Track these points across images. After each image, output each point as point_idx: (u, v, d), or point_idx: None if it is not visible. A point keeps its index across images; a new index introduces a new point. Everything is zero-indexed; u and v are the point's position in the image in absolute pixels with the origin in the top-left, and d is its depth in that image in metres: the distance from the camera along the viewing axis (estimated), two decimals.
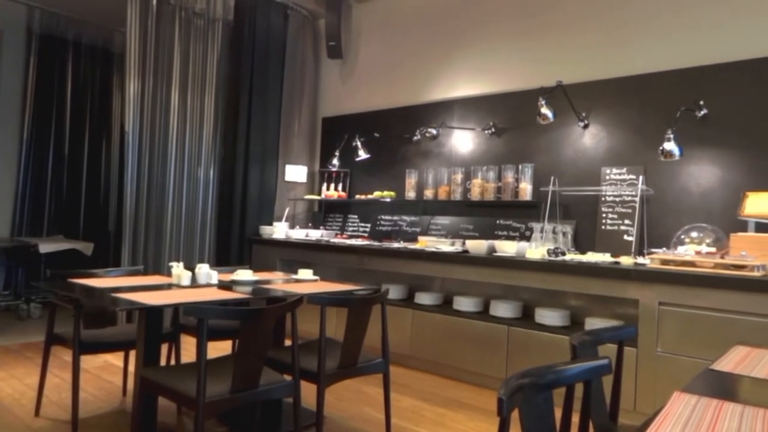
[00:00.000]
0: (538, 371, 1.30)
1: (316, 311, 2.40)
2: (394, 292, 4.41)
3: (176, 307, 2.51)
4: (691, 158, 3.61)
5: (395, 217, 5.14)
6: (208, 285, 2.75)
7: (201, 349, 1.95)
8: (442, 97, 4.95)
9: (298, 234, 5.21)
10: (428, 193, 4.79)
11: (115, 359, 3.97)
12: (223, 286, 2.75)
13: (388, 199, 5.00)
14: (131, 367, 3.33)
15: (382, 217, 5.25)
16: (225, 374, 2.16)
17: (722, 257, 3.01)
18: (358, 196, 5.29)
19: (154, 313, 2.35)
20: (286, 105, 5.66)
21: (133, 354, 2.76)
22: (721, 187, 3.50)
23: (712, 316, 2.87)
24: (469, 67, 4.81)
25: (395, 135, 5.21)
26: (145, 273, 3.31)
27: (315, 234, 5.23)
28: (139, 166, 4.63)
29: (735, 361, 1.65)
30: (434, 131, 4.87)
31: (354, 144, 5.31)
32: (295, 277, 3.26)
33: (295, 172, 5.79)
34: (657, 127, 3.70)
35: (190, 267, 2.93)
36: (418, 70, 5.17)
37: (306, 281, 3.14)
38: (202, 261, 5.01)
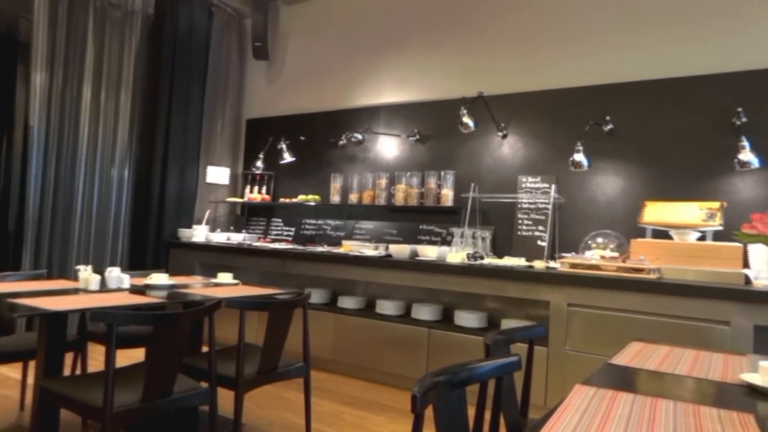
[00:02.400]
0: (452, 369, 1.34)
1: (237, 316, 2.34)
2: (317, 296, 4.39)
3: (82, 313, 2.37)
4: (598, 169, 3.87)
5: (319, 221, 5.12)
6: (119, 289, 2.61)
7: (109, 356, 1.85)
8: (369, 102, 5.00)
9: (219, 237, 5.06)
10: (353, 198, 4.81)
11: (12, 371, 3.67)
12: (136, 290, 2.62)
13: (312, 203, 4.97)
14: (30, 379, 3.10)
15: (307, 221, 5.21)
16: (136, 383, 2.06)
17: (624, 261, 3.25)
18: (282, 200, 5.23)
19: (56, 319, 2.20)
20: (208, 105, 5.50)
21: (33, 365, 2.57)
22: (624, 197, 3.77)
23: (615, 316, 3.08)
24: (395, 74, 4.89)
25: (321, 139, 5.20)
26: (49, 277, 3.10)
27: (237, 237, 5.11)
28: (45, 163, 4.32)
29: (631, 355, 1.78)
30: (360, 136, 4.91)
31: (279, 147, 5.25)
32: (214, 281, 3.17)
33: (217, 174, 5.63)
34: (568, 140, 3.93)
35: (99, 271, 2.77)
36: (345, 75, 5.20)
37: (225, 285, 3.06)
38: (114, 265, 4.75)
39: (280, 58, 5.69)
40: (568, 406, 1.19)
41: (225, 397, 3.18)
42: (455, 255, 3.79)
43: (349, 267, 4.05)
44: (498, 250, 4.16)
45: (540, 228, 4.03)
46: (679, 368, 1.63)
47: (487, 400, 1.49)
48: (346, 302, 4.22)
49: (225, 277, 3.18)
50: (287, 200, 5.16)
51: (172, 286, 2.83)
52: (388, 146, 4.84)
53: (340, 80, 5.22)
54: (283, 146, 5.20)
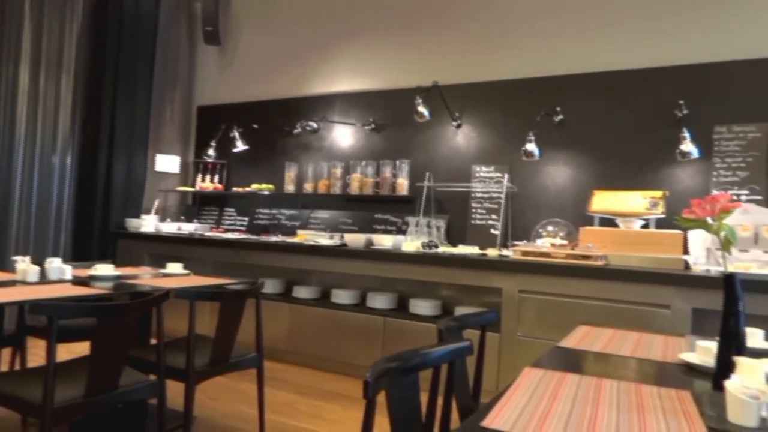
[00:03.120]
0: (404, 355, 1.35)
1: (187, 307, 2.28)
2: (272, 286, 4.33)
3: (20, 305, 2.25)
4: (549, 159, 3.96)
5: (274, 211, 5.05)
6: (61, 281, 2.50)
7: (50, 349, 1.76)
8: (324, 91, 4.95)
9: (170, 227, 4.91)
10: (308, 187, 4.76)
11: None
12: (79, 281, 2.52)
13: (266, 192, 4.89)
14: None
15: (261, 210, 5.13)
16: (79, 377, 1.97)
17: (572, 249, 3.34)
18: (235, 189, 5.12)
19: None
20: (157, 91, 5.31)
21: None
22: (573, 186, 3.88)
23: (564, 302, 3.17)
24: (351, 62, 4.85)
25: (275, 127, 5.11)
26: None
27: (188, 227, 4.97)
28: None
29: (577, 338, 1.84)
30: (315, 125, 4.85)
31: (231, 135, 5.13)
32: (163, 271, 3.08)
33: (167, 163, 5.46)
34: (520, 130, 4.00)
35: (39, 262, 2.63)
36: (299, 62, 5.11)
37: (175, 276, 2.97)
38: (56, 256, 4.53)
39: (232, 43, 5.54)
40: (518, 388, 1.22)
41: (176, 390, 3.10)
42: (410, 244, 3.81)
43: (304, 256, 4.02)
44: (452, 239, 4.21)
45: (493, 217, 4.10)
46: (622, 350, 1.69)
47: (440, 386, 1.50)
48: (301, 292, 4.19)
49: (175, 268, 3.09)
50: (240, 189, 5.06)
51: (118, 277, 2.73)
52: (344, 135, 4.81)
53: (295, 68, 5.13)
54: (236, 134, 5.09)
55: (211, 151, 5.28)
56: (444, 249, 3.77)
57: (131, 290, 2.44)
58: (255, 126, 5.17)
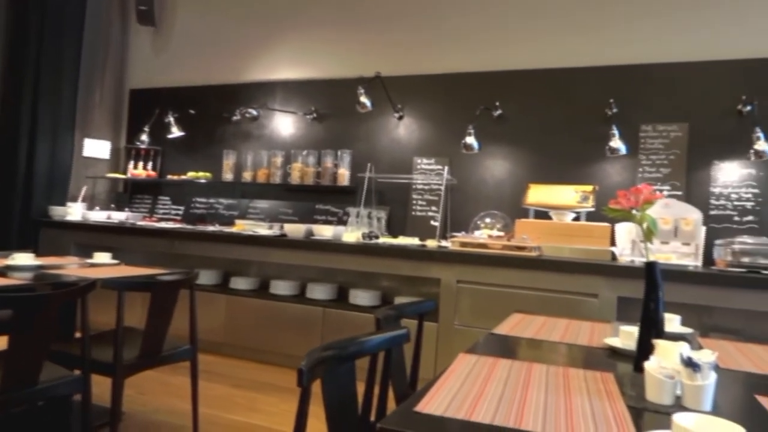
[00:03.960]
0: (340, 343, 1.34)
1: (116, 299, 2.17)
2: (208, 277, 4.21)
3: None
4: (488, 153, 4.04)
5: (211, 200, 4.90)
6: None
7: None
8: (265, 78, 4.84)
9: (99, 216, 4.67)
10: (247, 176, 4.65)
11: None
12: None
13: (203, 181, 4.74)
14: None
15: (197, 199, 4.96)
16: None
17: (508, 240, 3.44)
18: (170, 176, 4.93)
19: None
20: (85, 72, 5.02)
21: None
22: (511, 179, 3.99)
23: (500, 291, 3.25)
24: (293, 50, 4.76)
25: (213, 113, 4.95)
26: None
27: (119, 216, 4.75)
28: None
29: (510, 325, 1.89)
30: (255, 112, 4.74)
31: (167, 120, 4.93)
32: (90, 261, 2.92)
33: (96, 148, 5.18)
34: (461, 123, 4.06)
35: None
36: (239, 47, 4.97)
37: (103, 266, 2.83)
38: None
39: (168, 25, 5.31)
40: (452, 373, 1.24)
41: (104, 386, 2.96)
42: (351, 234, 3.80)
43: (242, 247, 3.93)
44: (393, 230, 4.24)
45: (433, 208, 4.15)
46: (552, 336, 1.76)
47: (378, 375, 1.51)
48: (239, 283, 4.10)
49: (102, 257, 2.94)
50: (176, 177, 4.88)
51: (39, 267, 2.57)
52: (285, 124, 4.73)
53: (235, 53, 4.99)
54: (171, 120, 4.90)
55: (144, 137, 5.06)
56: (384, 240, 3.79)
57: (53, 281, 2.30)
58: (192, 112, 4.99)
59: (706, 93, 3.56)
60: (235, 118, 4.80)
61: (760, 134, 3.22)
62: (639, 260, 3.17)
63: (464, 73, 4.16)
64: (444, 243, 3.73)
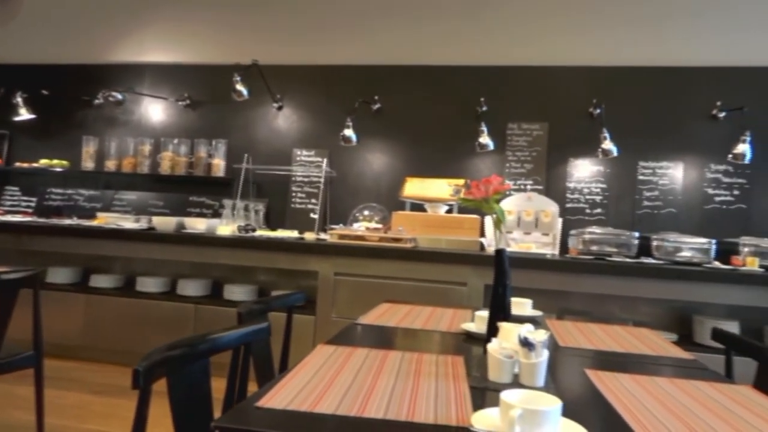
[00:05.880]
0: (190, 341, 1.27)
1: None
2: (64, 275, 3.83)
3: None
4: (367, 146, 4.08)
5: (69, 191, 4.46)
6: None
7: None
8: (132, 59, 4.48)
9: None
10: (110, 165, 4.28)
11: None
12: None
13: (59, 169, 4.29)
14: None
15: (53, 190, 4.49)
16: None
17: (385, 232, 3.49)
18: (19, 164, 4.40)
19: None
20: None
21: None
22: (389, 172, 4.06)
23: (377, 282, 3.30)
24: (165, 30, 4.46)
25: (71, 95, 4.49)
26: None
27: None
28: None
29: (376, 315, 1.91)
30: (120, 96, 4.38)
31: (14, 100, 4.39)
32: None
33: None
34: (340, 115, 4.05)
35: None
36: (103, 24, 4.55)
37: None
38: None
39: None
40: (305, 365, 1.22)
41: None
42: (226, 227, 3.65)
43: (104, 242, 3.61)
44: (272, 223, 4.14)
45: (313, 201, 4.11)
46: (415, 323, 1.80)
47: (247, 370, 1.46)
48: (101, 281, 3.77)
49: None
50: (26, 165, 4.37)
51: None
52: (154, 109, 4.42)
53: (98, 30, 4.56)
54: (20, 100, 4.37)
55: None
56: (261, 233, 3.68)
57: None
58: (45, 92, 4.49)
59: (563, 96, 3.87)
60: (97, 101, 4.39)
61: (607, 134, 3.56)
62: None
63: (344, 66, 4.15)
64: (323, 236, 3.71)
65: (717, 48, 3.67)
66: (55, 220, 3.97)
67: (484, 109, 3.88)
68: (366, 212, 3.96)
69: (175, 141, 4.21)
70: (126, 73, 4.47)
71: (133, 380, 1.03)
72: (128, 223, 3.80)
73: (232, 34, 4.33)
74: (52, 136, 4.55)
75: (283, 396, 1.00)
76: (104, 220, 3.90)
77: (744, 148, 3.41)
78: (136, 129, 4.43)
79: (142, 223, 3.81)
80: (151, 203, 4.32)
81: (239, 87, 3.94)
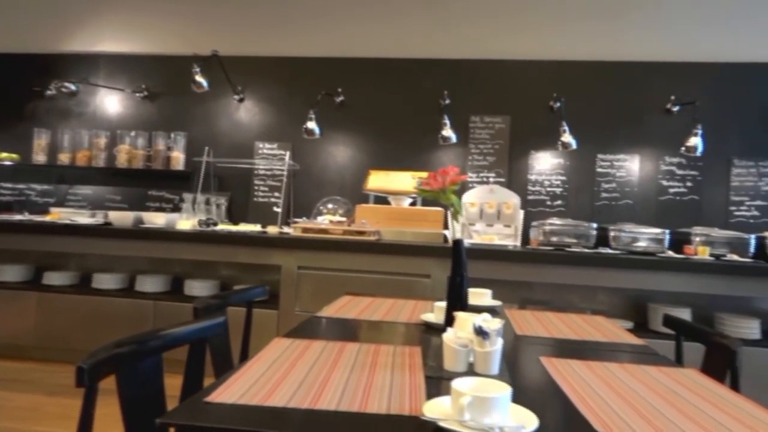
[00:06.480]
0: (140, 337, 1.24)
1: None
2: (13, 273, 3.68)
3: None
4: (330, 138, 4.05)
5: (20, 185, 4.29)
6: None
7: None
8: (86, 49, 4.33)
9: None
10: (63, 158, 4.13)
11: None
12: None
13: (8, 163, 4.12)
14: None
15: (2, 184, 4.31)
16: None
17: (349, 225, 3.48)
18: None
19: None
20: None
21: None
22: (352, 165, 4.04)
23: (341, 276, 3.28)
24: (121, 19, 4.30)
25: (20, 86, 4.32)
26: None
27: None
28: None
29: (337, 307, 1.90)
30: (73, 87, 4.23)
31: None
32: None
33: None
34: (303, 108, 4.01)
35: None
36: (55, 11, 4.36)
37: None
38: None
39: None
40: (260, 359, 1.20)
41: None
42: (186, 222, 3.57)
43: (57, 238, 3.49)
44: (234, 217, 4.07)
45: (276, 194, 4.06)
46: (375, 315, 1.80)
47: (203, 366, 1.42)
48: (54, 278, 3.64)
49: None
50: None
51: None
52: (110, 101, 4.29)
53: (50, 18, 4.37)
54: None
55: None
56: (223, 227, 3.62)
57: None
58: None
59: (525, 89, 3.92)
60: (49, 92, 4.23)
61: (566, 128, 3.62)
62: (467, 242, 3.40)
63: (307, 58, 4.11)
64: (286, 229, 3.67)
65: (671, 43, 3.77)
66: (5, 216, 3.81)
67: (447, 102, 3.90)
68: (330, 205, 3.94)
69: (132, 133, 4.09)
70: (80, 63, 4.31)
71: (77, 378, 1.00)
72: (83, 218, 3.68)
73: (191, 24, 4.22)
74: (1, 128, 4.36)
75: (235, 390, 0.98)
76: (58, 215, 3.76)
77: (696, 141, 3.52)
78: (91, 121, 4.28)
79: (98, 219, 3.70)
80: (108, 198, 4.19)
81: (199, 78, 3.85)
